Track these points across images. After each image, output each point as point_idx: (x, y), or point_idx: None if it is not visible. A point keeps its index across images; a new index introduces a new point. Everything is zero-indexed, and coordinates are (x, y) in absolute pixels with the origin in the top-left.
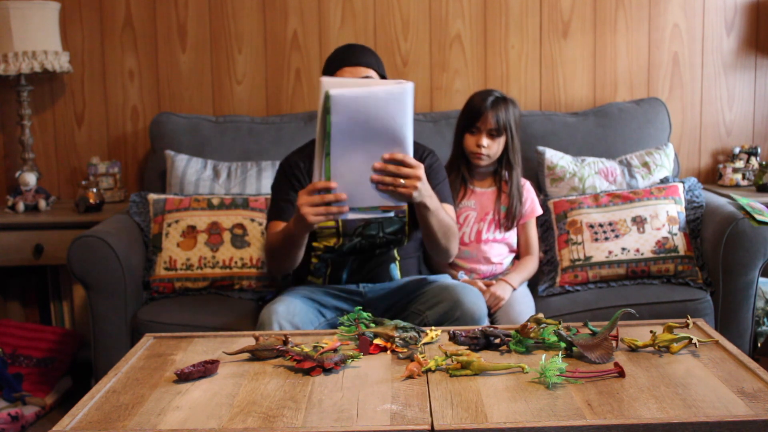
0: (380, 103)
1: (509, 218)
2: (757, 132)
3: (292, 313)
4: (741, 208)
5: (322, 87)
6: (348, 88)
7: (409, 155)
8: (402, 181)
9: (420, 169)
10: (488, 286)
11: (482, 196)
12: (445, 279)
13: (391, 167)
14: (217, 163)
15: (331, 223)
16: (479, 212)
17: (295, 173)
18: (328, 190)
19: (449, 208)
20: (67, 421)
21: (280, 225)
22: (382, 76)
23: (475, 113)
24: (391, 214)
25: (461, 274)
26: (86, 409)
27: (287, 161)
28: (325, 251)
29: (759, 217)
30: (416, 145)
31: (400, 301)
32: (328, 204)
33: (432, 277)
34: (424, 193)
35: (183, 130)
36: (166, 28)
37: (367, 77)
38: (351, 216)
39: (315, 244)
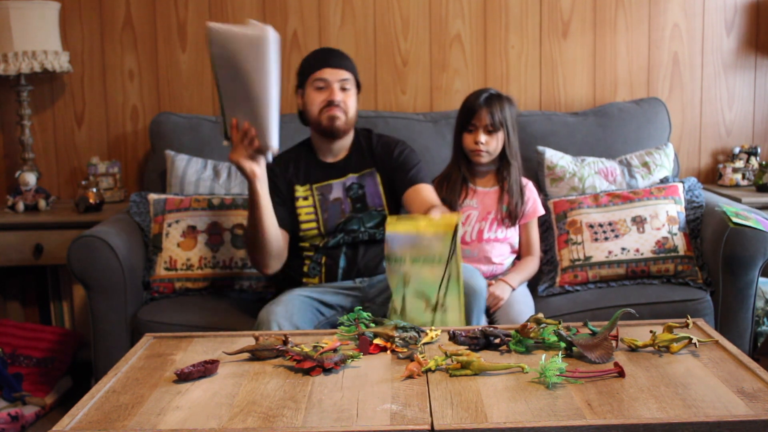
0: (242, 44)
1: (511, 216)
2: (757, 132)
3: (291, 313)
4: (724, 212)
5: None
6: (223, 25)
7: (269, 112)
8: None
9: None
10: (488, 285)
11: (485, 195)
12: None
13: None
14: (217, 163)
15: (313, 225)
16: (481, 211)
17: (271, 178)
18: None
19: (428, 187)
20: (67, 421)
21: None
22: (359, 83)
23: (470, 111)
24: None
25: None
26: (86, 409)
27: (270, 163)
28: (312, 249)
29: (735, 219)
30: (385, 138)
31: None
32: (247, 141)
33: None
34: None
35: (183, 130)
36: (166, 28)
37: (345, 80)
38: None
39: (302, 243)
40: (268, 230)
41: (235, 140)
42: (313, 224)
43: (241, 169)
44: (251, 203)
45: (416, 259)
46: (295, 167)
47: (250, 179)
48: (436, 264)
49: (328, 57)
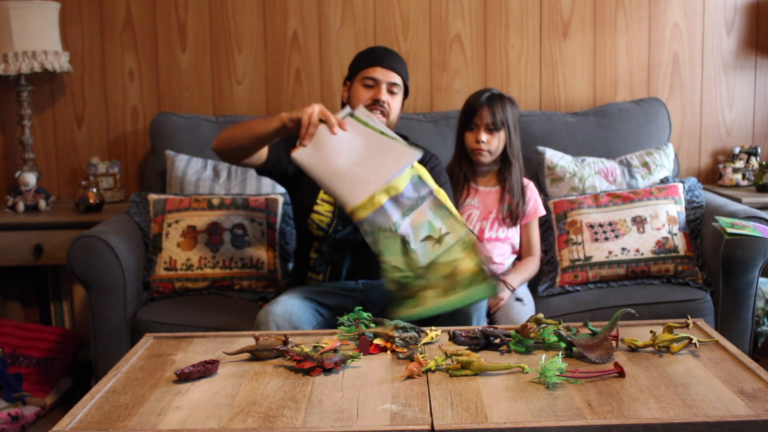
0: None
1: (512, 216)
2: (757, 132)
3: (289, 313)
4: (719, 225)
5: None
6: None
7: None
8: None
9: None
10: None
11: (486, 195)
12: None
13: None
14: (218, 163)
15: (329, 207)
16: (482, 211)
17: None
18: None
19: None
20: (67, 421)
21: None
22: (407, 88)
23: (472, 110)
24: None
25: None
26: (86, 409)
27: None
28: (318, 230)
29: (730, 230)
30: (420, 148)
31: None
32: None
33: None
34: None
35: (183, 130)
36: (166, 28)
37: (394, 83)
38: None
39: (314, 216)
40: (249, 147)
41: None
42: (329, 206)
43: (302, 111)
44: (263, 130)
45: (402, 215)
46: None
47: (285, 122)
48: (418, 207)
49: (383, 56)
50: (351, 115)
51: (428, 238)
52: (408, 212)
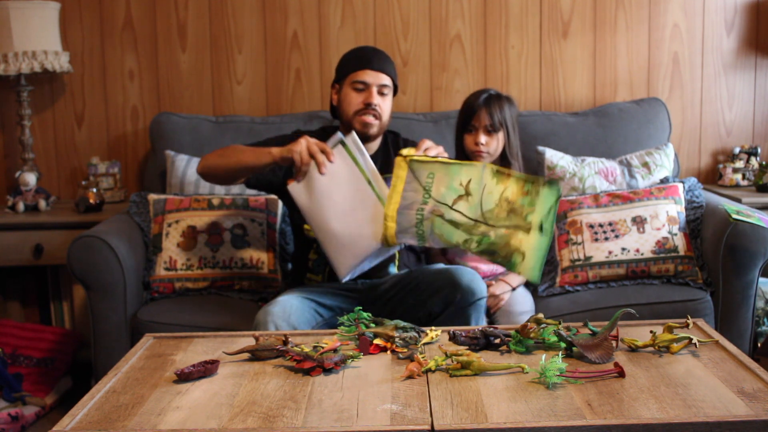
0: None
1: None
2: (757, 132)
3: (288, 313)
4: (725, 210)
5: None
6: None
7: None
8: None
9: None
10: (487, 286)
11: None
12: (437, 265)
13: None
14: None
15: None
16: None
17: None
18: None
19: None
20: (67, 421)
21: None
22: (396, 87)
23: (470, 112)
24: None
25: None
26: (86, 409)
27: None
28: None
29: (735, 216)
30: (412, 143)
31: (398, 294)
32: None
33: (426, 266)
34: None
35: (183, 130)
36: (166, 28)
37: (384, 85)
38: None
39: (306, 226)
40: (235, 173)
41: (318, 148)
42: None
43: (293, 146)
44: (253, 163)
45: (421, 202)
46: None
47: (277, 161)
48: (432, 185)
49: (372, 58)
50: (342, 142)
51: (458, 198)
52: (425, 197)
